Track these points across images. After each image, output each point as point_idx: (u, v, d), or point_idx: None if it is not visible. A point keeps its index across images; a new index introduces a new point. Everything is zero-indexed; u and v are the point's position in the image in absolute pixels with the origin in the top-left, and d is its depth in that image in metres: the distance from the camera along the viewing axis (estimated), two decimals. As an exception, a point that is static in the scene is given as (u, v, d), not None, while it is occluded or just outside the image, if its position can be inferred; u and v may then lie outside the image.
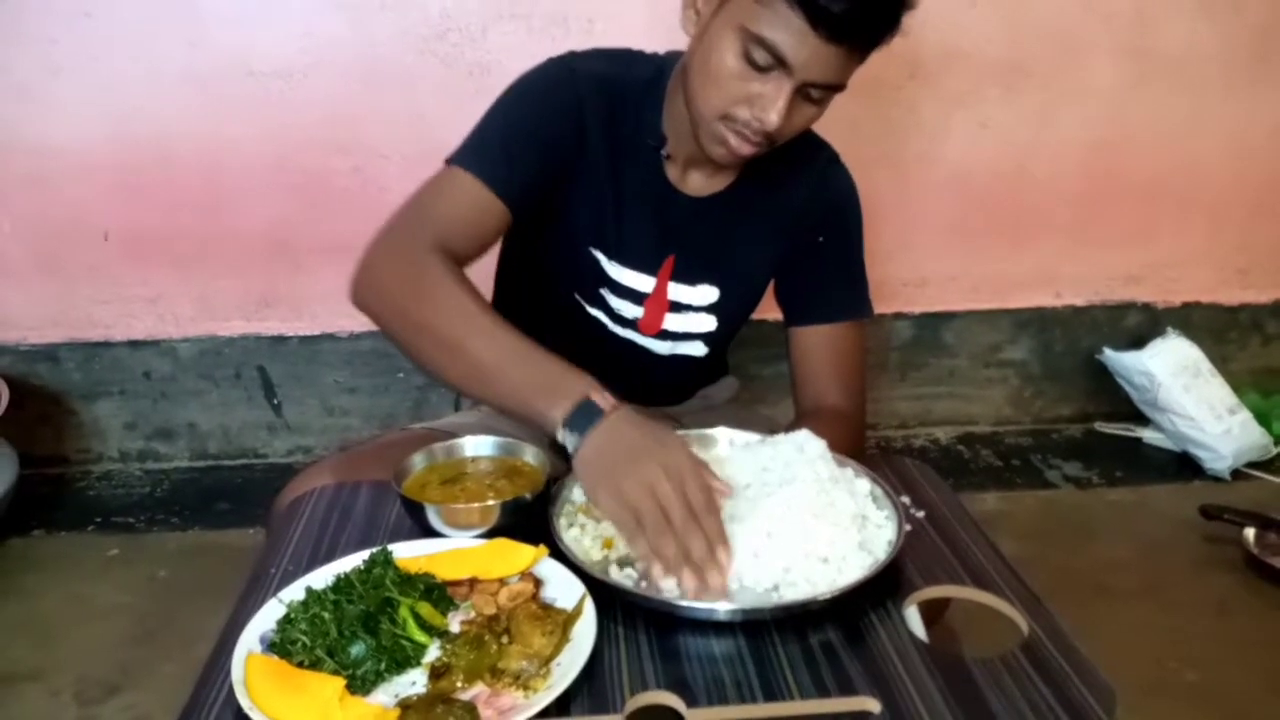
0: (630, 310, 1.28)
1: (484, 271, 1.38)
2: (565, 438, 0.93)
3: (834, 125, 1.25)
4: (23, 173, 2.19)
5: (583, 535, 0.96)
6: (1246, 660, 1.78)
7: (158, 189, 2.23)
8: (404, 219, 1.11)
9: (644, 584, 0.89)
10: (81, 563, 2.07)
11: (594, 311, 1.30)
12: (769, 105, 1.04)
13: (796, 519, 0.90)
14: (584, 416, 0.92)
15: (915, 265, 2.53)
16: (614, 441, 0.91)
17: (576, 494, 1.02)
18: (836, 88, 1.06)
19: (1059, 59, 2.37)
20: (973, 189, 2.47)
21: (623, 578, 0.90)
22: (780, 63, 1.01)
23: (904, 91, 2.34)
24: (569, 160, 1.19)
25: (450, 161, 1.15)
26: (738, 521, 0.92)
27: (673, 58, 1.21)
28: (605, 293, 1.28)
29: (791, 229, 1.29)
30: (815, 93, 1.06)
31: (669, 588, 0.87)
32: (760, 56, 1.01)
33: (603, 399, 0.93)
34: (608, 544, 0.94)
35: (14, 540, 2.13)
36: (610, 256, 1.25)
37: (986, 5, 2.30)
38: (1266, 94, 2.46)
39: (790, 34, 0.99)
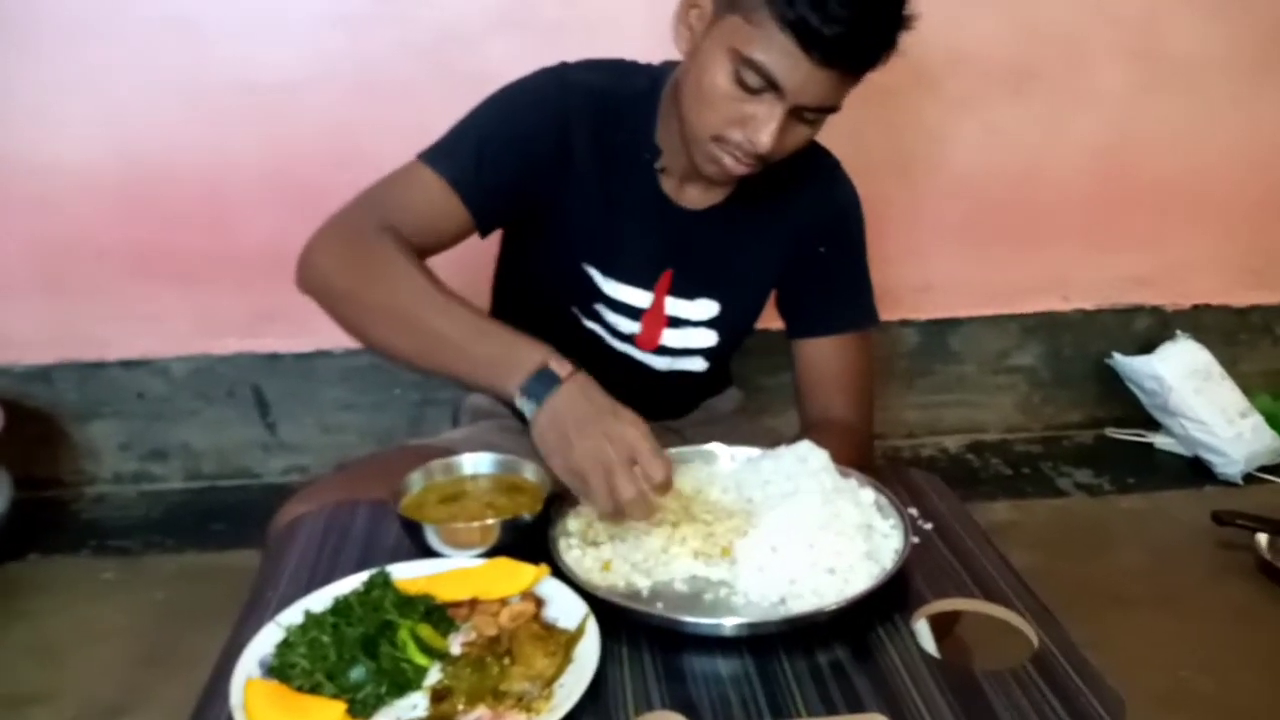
0: (627, 326, 1.27)
1: (480, 285, 1.38)
2: (523, 405, 0.94)
3: (838, 130, 1.23)
4: (25, 192, 2.19)
5: (584, 555, 0.94)
6: (1261, 668, 1.76)
7: (156, 205, 2.22)
8: (356, 203, 1.11)
9: (660, 605, 0.88)
10: (79, 586, 2.05)
11: (591, 325, 1.28)
12: (761, 128, 1.02)
13: (801, 531, 0.89)
14: (540, 384, 0.94)
15: (922, 271, 2.52)
16: (567, 411, 0.93)
17: (581, 505, 1.00)
18: (830, 109, 1.05)
19: (1067, 63, 2.36)
20: (980, 194, 2.46)
21: (625, 598, 0.88)
22: (772, 85, 1.00)
23: (910, 96, 2.33)
24: (551, 173, 1.17)
25: (420, 157, 1.14)
26: (741, 535, 0.93)
27: (668, 68, 1.19)
28: (601, 308, 1.26)
29: (792, 240, 1.27)
30: (809, 114, 1.04)
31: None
32: (752, 79, 1.00)
33: (560, 366, 0.95)
34: (606, 567, 0.93)
35: (10, 564, 2.11)
36: (605, 272, 1.24)
37: (993, 8, 2.29)
38: (1275, 96, 2.45)
39: (782, 58, 0.98)
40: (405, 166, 1.14)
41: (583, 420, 0.92)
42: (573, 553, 0.94)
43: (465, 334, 0.99)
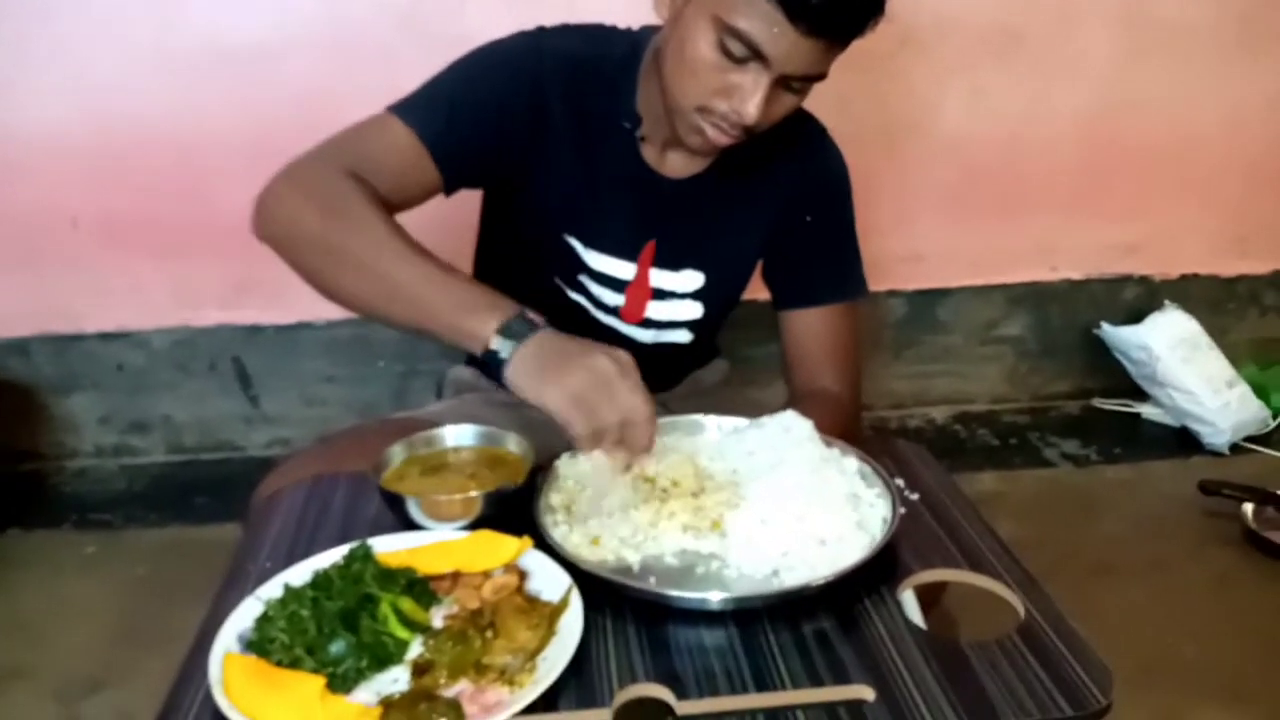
0: (611, 298, 1.25)
1: (462, 253, 1.36)
2: (499, 344, 0.92)
3: (823, 96, 1.21)
4: (-8, 160, 2.15)
5: (570, 530, 0.93)
6: (1245, 634, 1.78)
7: (131, 173, 2.18)
8: (319, 149, 1.08)
9: (653, 579, 0.87)
10: (60, 561, 2.04)
11: (575, 297, 1.26)
12: (747, 98, 1.00)
13: (790, 502, 0.89)
14: (517, 327, 0.92)
15: (909, 240, 2.51)
16: (549, 347, 0.92)
17: (562, 477, 0.99)
18: (817, 78, 1.03)
19: (1053, 27, 2.34)
20: (966, 161, 2.45)
21: (615, 572, 0.87)
22: (757, 55, 0.97)
23: (895, 61, 2.30)
24: (524, 139, 1.14)
25: (389, 109, 1.11)
26: (730, 508, 0.92)
27: (649, 33, 1.17)
28: (584, 280, 1.24)
29: (778, 209, 1.25)
30: (795, 83, 1.02)
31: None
32: (736, 49, 0.98)
33: (534, 315, 0.94)
34: (595, 542, 0.91)
35: (-10, 538, 2.11)
36: (587, 243, 1.22)
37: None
38: (1263, 63, 2.44)
39: (767, 26, 0.95)
40: (374, 117, 1.11)
41: (567, 351, 0.91)
42: (560, 529, 0.92)
43: (432, 280, 0.96)
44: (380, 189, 1.04)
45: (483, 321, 0.93)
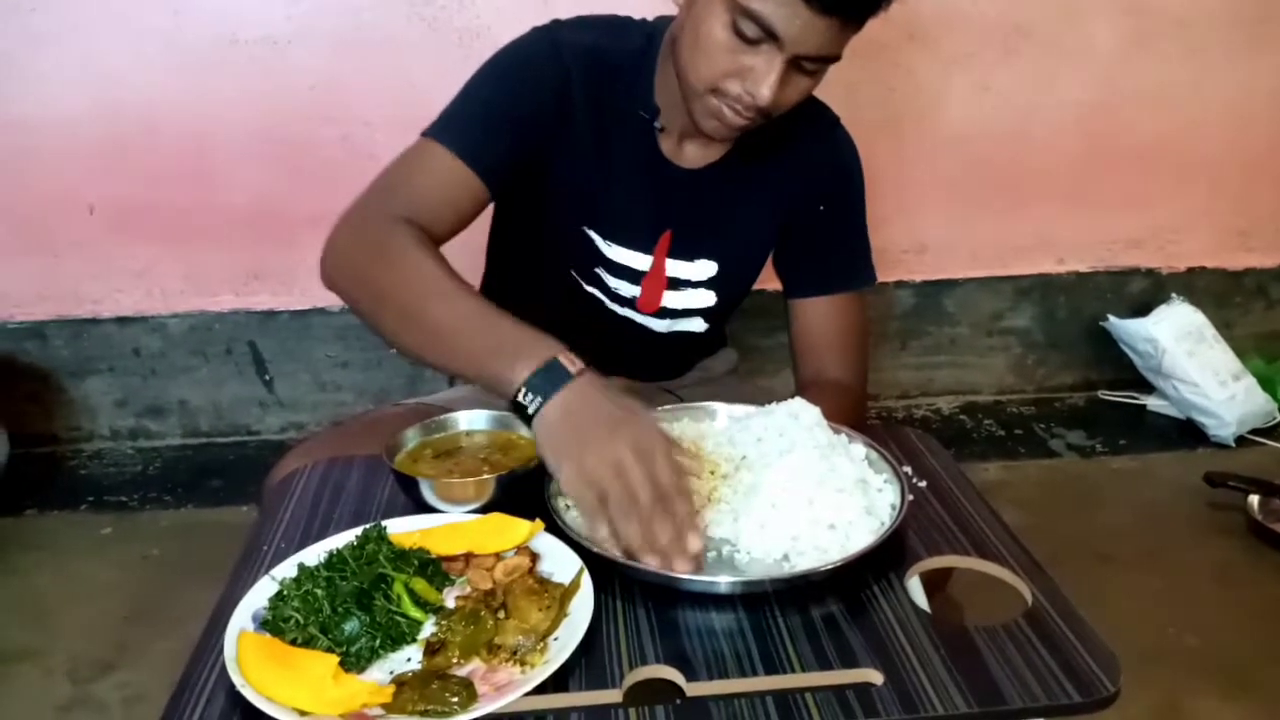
0: (627, 289, 1.25)
1: (474, 248, 1.37)
2: (527, 399, 0.86)
3: (830, 88, 1.21)
4: (4, 146, 2.16)
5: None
6: (1249, 626, 1.78)
7: (143, 161, 2.20)
8: (374, 192, 1.09)
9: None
10: (75, 541, 2.05)
11: (591, 289, 1.27)
12: (760, 79, 1.00)
13: (800, 487, 0.89)
14: (548, 378, 0.86)
15: (915, 232, 2.51)
16: (580, 408, 0.85)
17: None
18: (831, 59, 1.02)
19: (1058, 19, 2.34)
20: (972, 153, 2.45)
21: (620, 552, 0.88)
22: (770, 35, 0.97)
23: (902, 53, 2.31)
24: (550, 136, 1.15)
25: (426, 134, 1.12)
26: (741, 494, 0.92)
27: (663, 24, 1.17)
28: (601, 272, 1.25)
29: (791, 198, 1.26)
30: (809, 64, 1.02)
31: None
32: (749, 29, 0.98)
33: (570, 362, 0.87)
34: None
35: (6, 520, 2.12)
36: (604, 236, 1.22)
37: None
38: (1267, 56, 2.43)
39: (780, 6, 0.95)
40: (414, 146, 1.12)
41: (599, 421, 0.84)
42: (571, 512, 0.93)
43: (469, 323, 0.93)
44: (434, 219, 1.05)
45: (512, 368, 0.87)
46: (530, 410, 0.87)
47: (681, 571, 0.81)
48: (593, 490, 0.83)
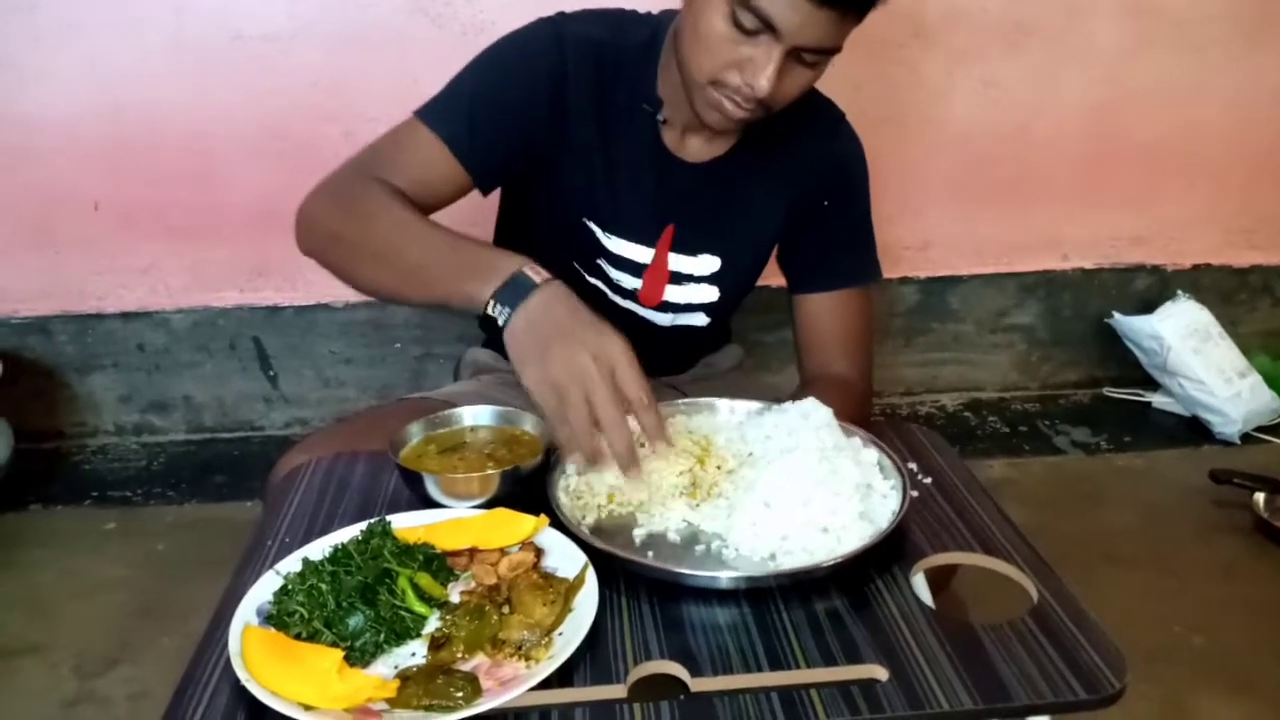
0: (629, 282, 1.26)
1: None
2: (496, 310, 0.90)
3: (835, 84, 1.21)
4: (8, 143, 2.16)
5: (585, 501, 0.94)
6: (1254, 624, 1.78)
7: (146, 158, 2.20)
8: (350, 161, 1.11)
9: (650, 554, 0.88)
10: (79, 537, 2.06)
11: (593, 282, 1.27)
12: (759, 71, 1.00)
13: (796, 487, 0.89)
14: (516, 289, 0.90)
15: (919, 229, 2.51)
16: (545, 317, 0.89)
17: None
18: (831, 51, 1.02)
19: (1062, 17, 2.34)
20: (976, 150, 2.45)
21: (620, 547, 0.88)
22: (769, 26, 0.97)
23: (906, 51, 2.31)
24: (547, 129, 1.15)
25: (417, 114, 1.12)
26: (739, 490, 0.92)
27: (668, 18, 1.17)
28: (603, 264, 1.25)
29: (796, 193, 1.25)
30: (809, 56, 1.02)
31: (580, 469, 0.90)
32: (748, 20, 0.98)
33: (535, 272, 0.92)
34: (610, 499, 0.93)
35: (10, 515, 2.12)
36: (605, 229, 1.22)
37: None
38: (1272, 53, 2.43)
39: None
40: (401, 124, 1.13)
41: (562, 328, 0.88)
42: (567, 504, 0.93)
43: (438, 251, 0.97)
44: (409, 191, 1.07)
45: (482, 286, 0.92)
46: (500, 322, 0.90)
47: (630, 475, 0.87)
48: (554, 393, 0.86)
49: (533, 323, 0.89)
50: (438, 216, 1.08)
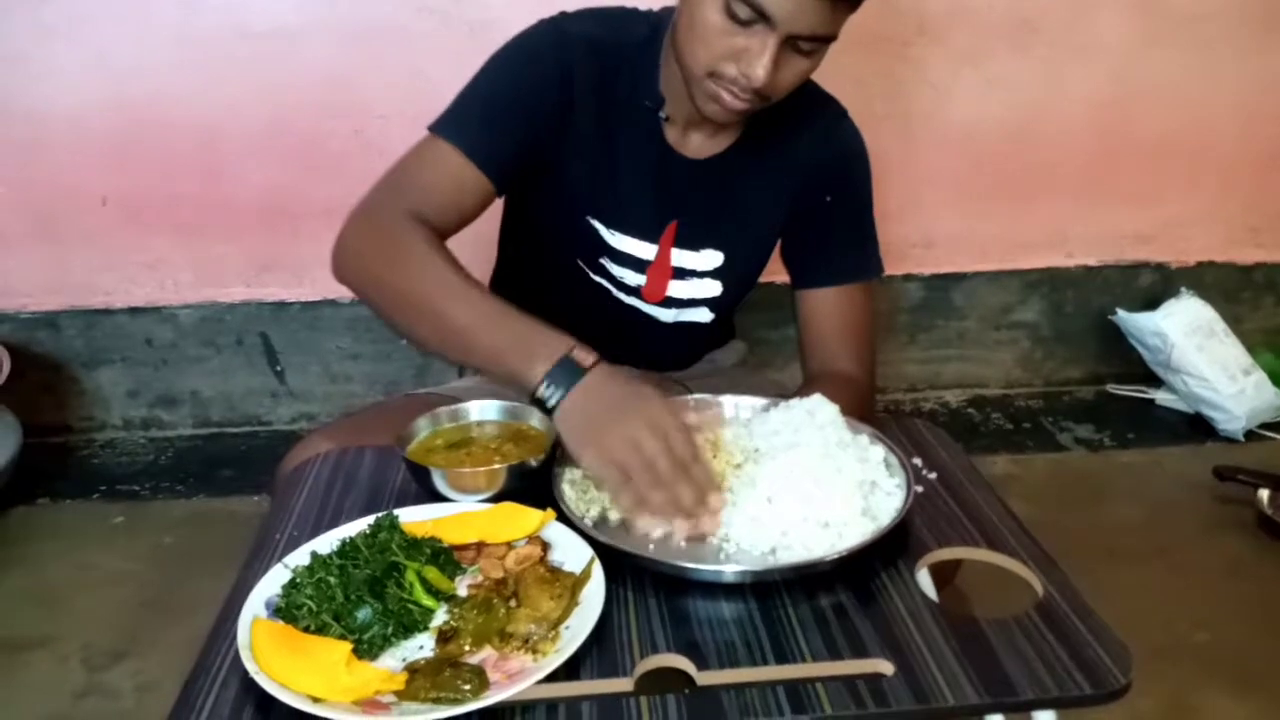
0: (633, 278, 1.26)
1: (485, 240, 1.37)
2: (546, 393, 0.91)
3: (839, 81, 1.21)
4: (16, 138, 2.17)
5: (591, 500, 0.94)
6: (1258, 621, 1.78)
7: (154, 153, 2.20)
8: (382, 189, 1.11)
9: (652, 546, 0.88)
10: (87, 531, 2.06)
11: (597, 279, 1.28)
12: (755, 60, 1.00)
13: (797, 484, 0.89)
14: (565, 372, 0.91)
15: (923, 226, 2.51)
16: (596, 397, 0.90)
17: None
18: (826, 39, 1.02)
19: (1067, 14, 2.33)
20: (981, 147, 2.44)
21: (631, 541, 0.88)
22: (762, 16, 0.98)
23: (912, 47, 2.30)
24: (555, 127, 1.16)
25: (432, 129, 1.13)
26: (742, 485, 0.92)
27: (669, 15, 1.17)
28: (606, 261, 1.25)
29: (798, 188, 1.26)
30: (804, 45, 1.02)
31: (655, 534, 0.89)
32: (741, 10, 0.98)
33: (583, 355, 0.93)
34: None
35: (19, 509, 2.13)
36: (609, 225, 1.23)
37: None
38: (1277, 52, 2.42)
39: None
40: (420, 143, 1.13)
41: (613, 408, 0.89)
42: (573, 498, 0.94)
43: (484, 321, 0.97)
44: (441, 215, 1.08)
45: (530, 366, 0.92)
46: (550, 404, 0.91)
47: (709, 531, 0.88)
48: (615, 468, 0.87)
49: (585, 406, 0.90)
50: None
